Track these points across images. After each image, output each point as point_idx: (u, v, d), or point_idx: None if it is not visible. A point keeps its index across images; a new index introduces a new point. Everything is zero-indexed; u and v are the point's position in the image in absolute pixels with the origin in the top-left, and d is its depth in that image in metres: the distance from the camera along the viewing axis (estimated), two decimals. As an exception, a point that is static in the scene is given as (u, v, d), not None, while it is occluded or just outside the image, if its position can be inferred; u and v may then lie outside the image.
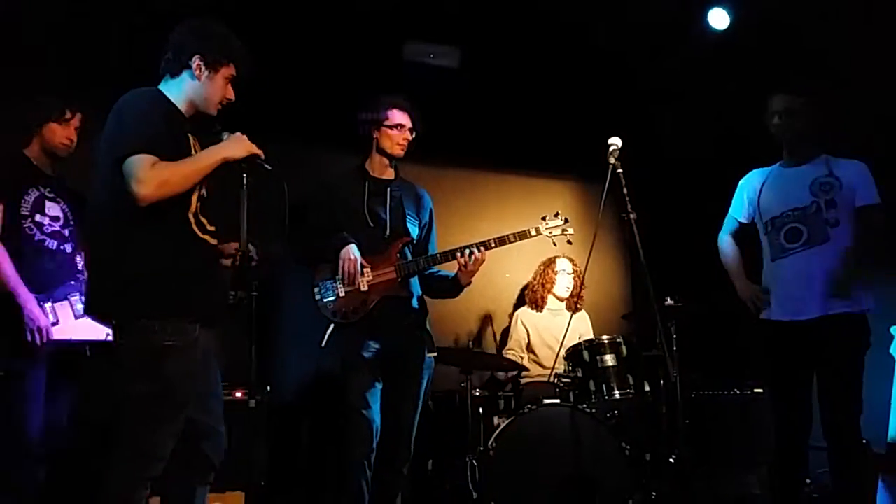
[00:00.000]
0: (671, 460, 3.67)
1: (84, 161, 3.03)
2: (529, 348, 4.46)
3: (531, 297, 4.59)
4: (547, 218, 3.52)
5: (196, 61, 2.40)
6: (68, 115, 3.10)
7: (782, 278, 3.13)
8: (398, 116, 3.38)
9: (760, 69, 4.09)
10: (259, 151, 2.42)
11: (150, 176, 2.17)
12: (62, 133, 3.10)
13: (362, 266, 3.21)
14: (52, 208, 3.09)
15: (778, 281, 3.15)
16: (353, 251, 3.20)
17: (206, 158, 2.33)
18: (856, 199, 3.07)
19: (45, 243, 3.03)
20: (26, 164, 3.07)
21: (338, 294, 3.23)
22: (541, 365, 4.40)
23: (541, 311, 4.54)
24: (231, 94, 2.50)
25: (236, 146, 2.39)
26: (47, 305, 2.94)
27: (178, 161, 2.26)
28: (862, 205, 3.07)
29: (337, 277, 3.22)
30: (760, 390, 4.03)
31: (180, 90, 2.41)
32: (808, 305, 3.03)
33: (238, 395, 3.32)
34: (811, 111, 3.14)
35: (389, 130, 3.37)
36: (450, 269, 3.45)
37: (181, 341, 2.24)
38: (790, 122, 3.14)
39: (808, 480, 3.71)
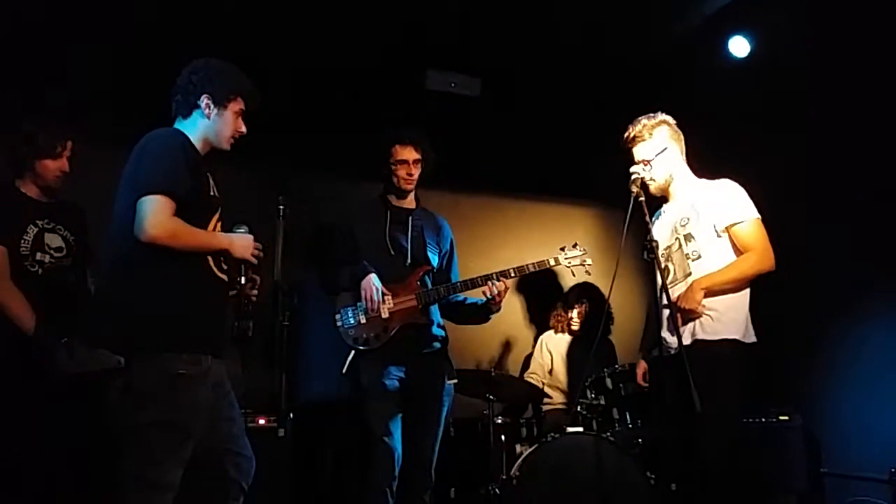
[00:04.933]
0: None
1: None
2: (552, 373, 4.45)
3: (555, 320, 4.59)
4: (566, 248, 3.52)
5: (205, 100, 2.47)
6: (59, 149, 3.03)
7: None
8: (401, 152, 3.40)
9: (779, 96, 4.10)
10: (252, 260, 2.46)
11: (165, 223, 2.23)
12: (55, 167, 3.02)
13: (383, 294, 3.24)
14: (54, 240, 3.03)
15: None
16: (374, 280, 3.24)
17: (215, 241, 2.40)
18: (717, 224, 2.94)
19: (49, 279, 2.97)
20: (21, 200, 3.01)
21: (359, 321, 3.25)
22: (563, 391, 4.39)
23: (564, 335, 4.53)
24: (242, 128, 2.56)
25: (239, 248, 2.43)
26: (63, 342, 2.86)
27: (195, 228, 2.31)
28: (727, 225, 2.93)
29: (359, 304, 3.25)
30: (787, 417, 3.98)
31: (194, 129, 2.47)
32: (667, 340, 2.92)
33: (261, 422, 3.33)
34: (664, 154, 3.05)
35: (394, 167, 3.41)
36: (475, 295, 3.47)
37: (193, 371, 2.28)
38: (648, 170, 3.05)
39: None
